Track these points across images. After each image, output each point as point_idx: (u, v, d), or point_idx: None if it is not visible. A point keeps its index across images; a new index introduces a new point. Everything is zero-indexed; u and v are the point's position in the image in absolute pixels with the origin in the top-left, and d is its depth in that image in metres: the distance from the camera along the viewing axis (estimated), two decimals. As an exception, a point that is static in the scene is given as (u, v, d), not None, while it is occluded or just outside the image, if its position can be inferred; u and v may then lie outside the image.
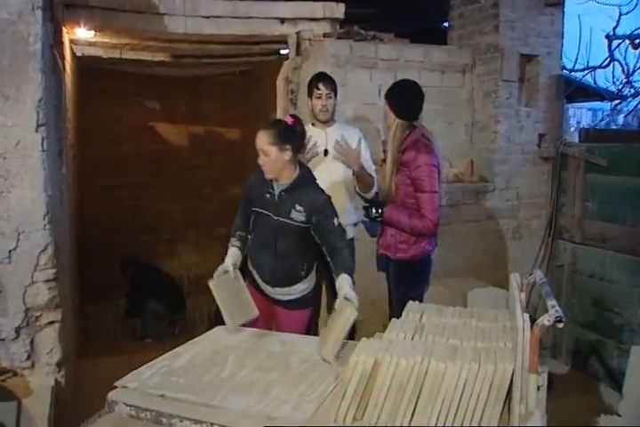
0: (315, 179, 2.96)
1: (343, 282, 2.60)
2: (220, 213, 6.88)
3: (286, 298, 3.02)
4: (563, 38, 4.51)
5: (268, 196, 2.88)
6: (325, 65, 3.86)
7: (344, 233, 2.89)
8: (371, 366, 1.84)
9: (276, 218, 2.86)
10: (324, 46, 3.90)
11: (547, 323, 1.68)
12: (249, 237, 3.02)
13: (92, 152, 6.24)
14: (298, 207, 2.82)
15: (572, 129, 6.47)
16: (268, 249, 2.93)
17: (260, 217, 2.94)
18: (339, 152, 3.41)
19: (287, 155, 2.76)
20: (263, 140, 2.73)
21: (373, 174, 3.58)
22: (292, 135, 2.80)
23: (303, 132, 3.00)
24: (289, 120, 2.87)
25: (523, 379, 1.69)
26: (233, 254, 2.89)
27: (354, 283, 2.65)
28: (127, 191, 6.75)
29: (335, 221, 2.81)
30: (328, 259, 2.81)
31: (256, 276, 3.05)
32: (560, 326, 1.67)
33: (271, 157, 2.74)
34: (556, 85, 4.48)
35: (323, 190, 2.90)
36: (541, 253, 4.60)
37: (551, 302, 1.79)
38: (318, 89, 3.44)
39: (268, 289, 3.03)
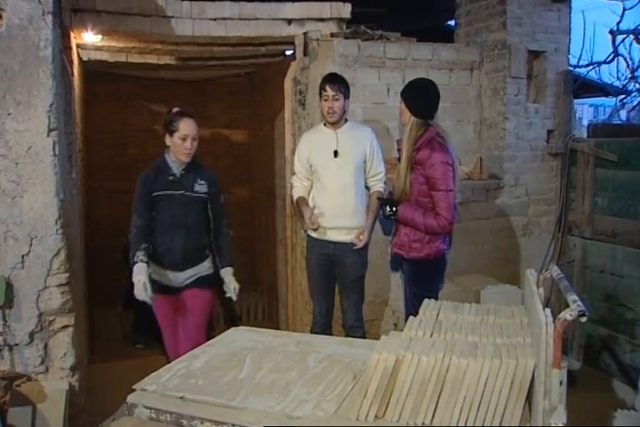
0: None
1: (228, 274, 3.29)
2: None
3: (195, 277, 3.31)
4: (570, 34, 4.50)
5: (170, 178, 3.20)
6: (334, 65, 3.85)
7: (224, 209, 3.42)
8: (392, 363, 1.84)
9: (180, 192, 3.20)
10: (332, 46, 3.89)
11: (569, 317, 1.68)
12: (151, 247, 3.18)
13: (98, 156, 6.21)
14: (200, 181, 3.24)
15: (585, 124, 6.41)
16: (179, 226, 3.22)
17: (164, 200, 3.20)
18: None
19: None
20: (194, 127, 3.15)
21: (383, 185, 3.57)
22: None
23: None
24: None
25: (546, 374, 1.69)
26: (144, 270, 3.03)
27: None
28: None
29: (222, 197, 3.38)
30: (211, 239, 3.34)
31: (165, 268, 3.25)
32: (583, 320, 1.67)
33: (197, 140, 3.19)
34: (564, 81, 4.45)
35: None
36: (552, 250, 4.59)
37: (572, 297, 1.78)
38: (325, 91, 3.40)
39: (177, 278, 3.28)
